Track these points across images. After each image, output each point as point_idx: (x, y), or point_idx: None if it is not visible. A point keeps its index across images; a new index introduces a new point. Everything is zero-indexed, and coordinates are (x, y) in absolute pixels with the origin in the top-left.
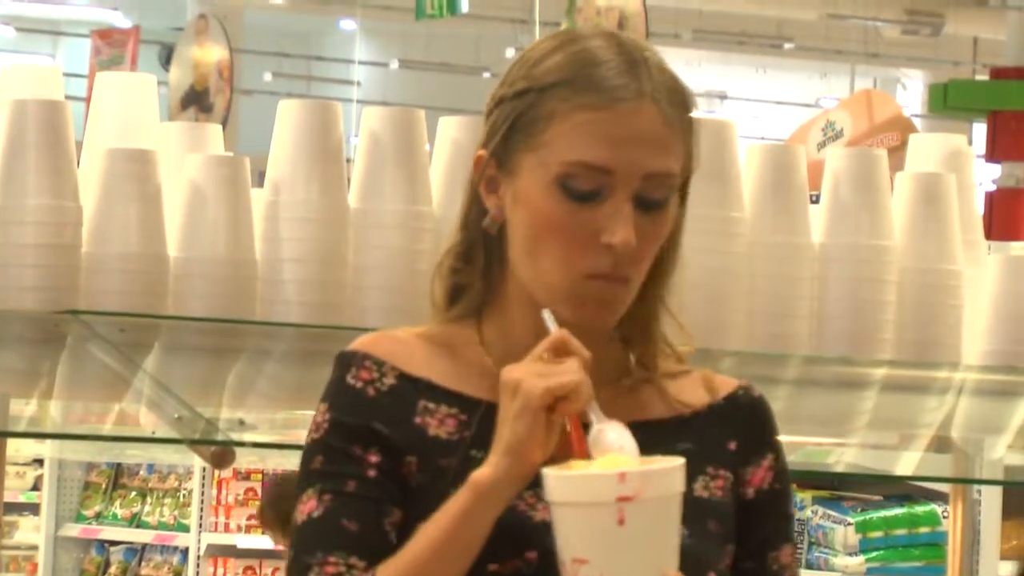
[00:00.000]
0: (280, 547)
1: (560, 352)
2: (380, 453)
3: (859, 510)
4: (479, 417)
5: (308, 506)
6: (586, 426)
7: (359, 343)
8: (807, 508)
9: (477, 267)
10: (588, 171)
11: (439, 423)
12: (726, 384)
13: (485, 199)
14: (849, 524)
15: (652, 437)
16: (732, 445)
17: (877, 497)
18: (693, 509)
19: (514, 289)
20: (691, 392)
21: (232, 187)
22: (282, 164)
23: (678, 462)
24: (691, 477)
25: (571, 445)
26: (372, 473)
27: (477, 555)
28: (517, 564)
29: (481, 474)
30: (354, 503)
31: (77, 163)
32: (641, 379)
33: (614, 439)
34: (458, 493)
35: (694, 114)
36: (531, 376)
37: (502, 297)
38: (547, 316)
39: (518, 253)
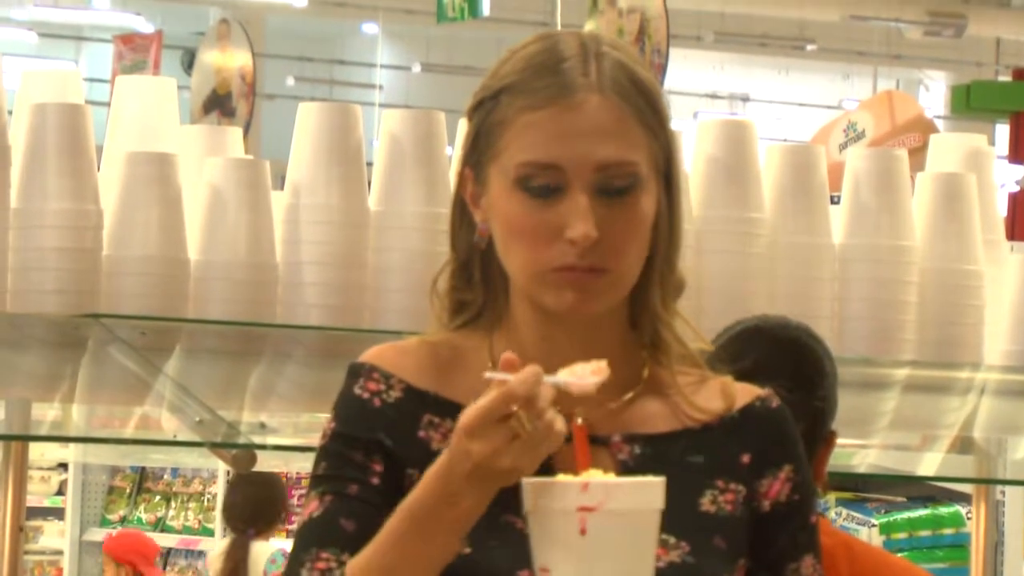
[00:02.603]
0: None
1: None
2: (383, 463)
3: (883, 511)
4: None
5: (309, 508)
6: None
7: (368, 355)
8: (831, 509)
9: (475, 283)
10: (539, 170)
11: (443, 437)
12: (744, 394)
13: (473, 214)
14: (873, 525)
15: (660, 450)
16: (745, 458)
17: (901, 498)
18: (698, 524)
19: (517, 299)
20: (706, 403)
21: (252, 190)
22: (302, 167)
23: (653, 480)
24: (699, 492)
25: (575, 457)
26: (375, 480)
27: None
28: None
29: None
30: (354, 504)
31: (98, 167)
32: (654, 390)
33: None
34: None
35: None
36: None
37: (508, 309)
38: (489, 376)
39: (503, 261)
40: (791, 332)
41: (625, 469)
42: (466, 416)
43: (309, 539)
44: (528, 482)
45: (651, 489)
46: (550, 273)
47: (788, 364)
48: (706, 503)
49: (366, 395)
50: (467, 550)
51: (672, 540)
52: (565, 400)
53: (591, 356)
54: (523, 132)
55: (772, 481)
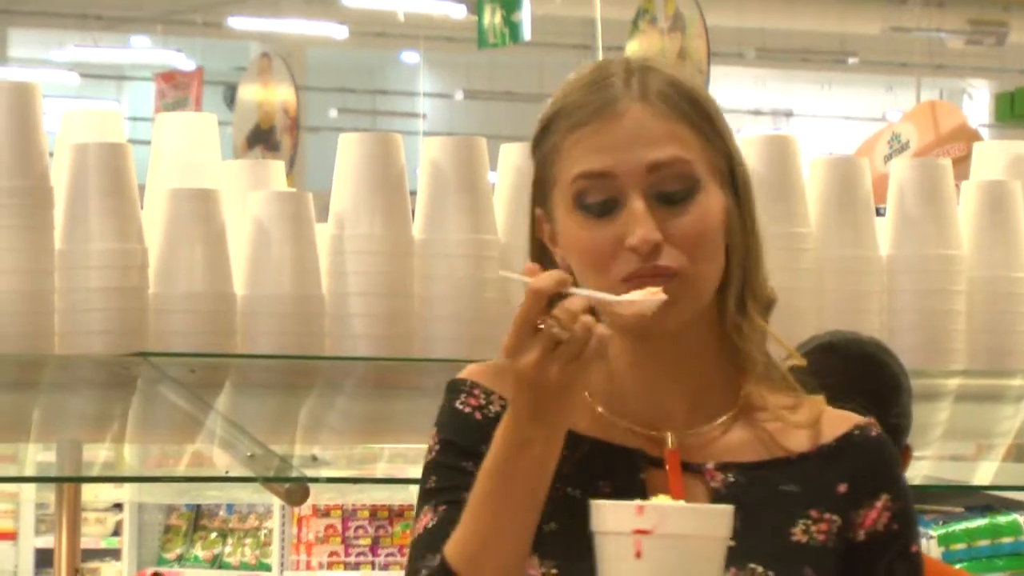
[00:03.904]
0: None
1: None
2: None
3: (941, 523)
4: (581, 455)
5: (423, 520)
6: None
7: (468, 372)
8: None
9: None
10: (593, 181)
11: None
12: (842, 422)
13: (554, 253)
14: (931, 537)
15: (754, 479)
16: (842, 487)
17: (958, 509)
18: (787, 554)
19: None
20: (801, 431)
21: (296, 223)
22: (345, 198)
23: (715, 507)
24: (791, 521)
25: (668, 484)
26: None
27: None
28: None
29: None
30: None
31: (141, 205)
32: (750, 416)
33: None
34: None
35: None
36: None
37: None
38: (504, 274)
39: None
40: (866, 348)
41: (718, 497)
42: (506, 338)
43: (423, 548)
44: (592, 503)
45: (711, 516)
46: (620, 286)
47: (865, 381)
48: (798, 533)
49: (467, 409)
50: (554, 571)
51: (760, 569)
52: (655, 425)
53: (683, 381)
54: (571, 150)
55: (868, 511)
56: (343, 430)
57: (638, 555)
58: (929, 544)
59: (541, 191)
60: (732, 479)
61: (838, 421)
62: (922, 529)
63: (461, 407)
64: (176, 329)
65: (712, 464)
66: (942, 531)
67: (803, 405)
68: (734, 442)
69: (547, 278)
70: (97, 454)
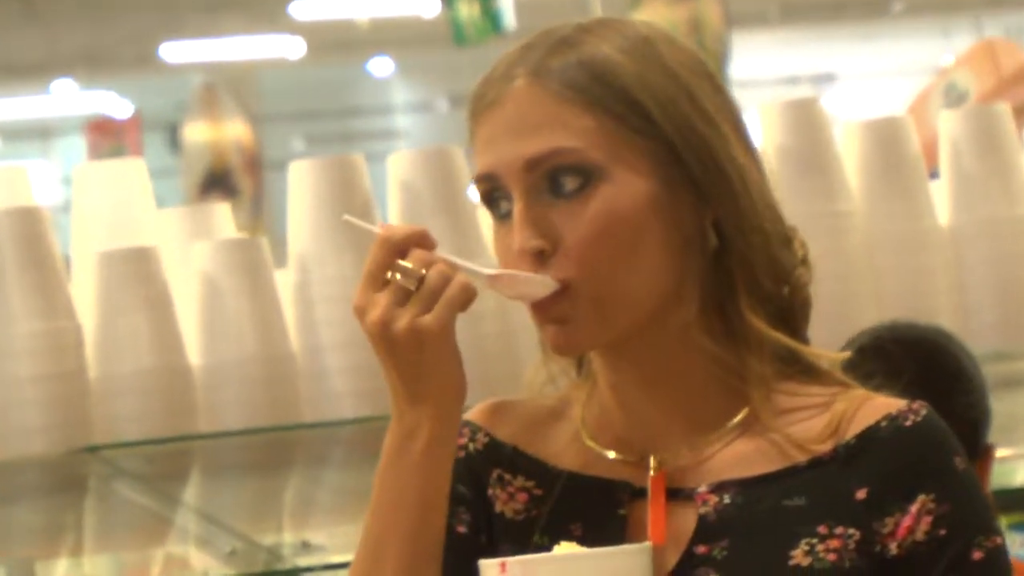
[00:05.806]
0: None
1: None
2: (471, 513)
3: None
4: (555, 492)
5: None
6: None
7: (471, 411)
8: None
9: None
10: (483, 185)
11: (509, 497)
12: (871, 413)
13: None
14: None
15: (753, 497)
16: (861, 493)
17: None
18: None
19: None
20: (816, 431)
21: (250, 273)
22: (305, 237)
23: (603, 552)
24: (790, 543)
25: (650, 515)
26: (462, 529)
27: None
28: None
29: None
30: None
31: (68, 274)
32: (757, 423)
33: None
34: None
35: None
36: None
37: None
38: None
39: None
40: (920, 335)
41: (704, 524)
42: (353, 296)
43: None
44: (480, 563)
45: (590, 561)
46: (530, 308)
47: (922, 373)
48: (798, 555)
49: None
50: None
51: None
52: (646, 449)
53: (668, 398)
54: (474, 147)
55: (901, 517)
56: (336, 508)
57: None
58: None
59: None
60: (728, 500)
61: (870, 412)
62: None
63: None
64: (126, 414)
65: (706, 486)
66: None
67: (836, 403)
68: (738, 455)
69: (399, 228)
70: (52, 572)
